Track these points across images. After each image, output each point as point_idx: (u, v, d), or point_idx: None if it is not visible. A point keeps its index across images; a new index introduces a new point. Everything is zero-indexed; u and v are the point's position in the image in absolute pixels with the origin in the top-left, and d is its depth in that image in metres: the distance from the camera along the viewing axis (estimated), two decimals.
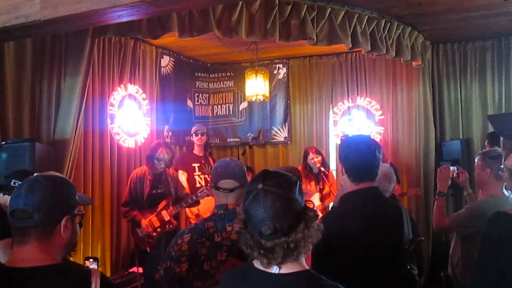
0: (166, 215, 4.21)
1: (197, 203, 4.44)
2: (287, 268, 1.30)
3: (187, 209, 4.65)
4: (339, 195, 2.47)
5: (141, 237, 4.13)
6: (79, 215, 1.49)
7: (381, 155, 2.07)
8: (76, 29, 3.51)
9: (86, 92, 3.94)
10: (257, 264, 1.35)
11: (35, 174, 1.50)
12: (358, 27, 4.17)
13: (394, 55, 4.56)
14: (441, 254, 4.71)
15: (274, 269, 1.30)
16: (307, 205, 1.35)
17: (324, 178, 4.84)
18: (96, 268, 2.14)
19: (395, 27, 4.53)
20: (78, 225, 1.49)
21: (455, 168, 3.02)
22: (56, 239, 1.38)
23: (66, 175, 3.71)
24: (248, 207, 1.31)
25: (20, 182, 2.63)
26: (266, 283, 1.31)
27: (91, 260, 2.30)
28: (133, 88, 4.96)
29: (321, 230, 1.32)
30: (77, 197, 1.49)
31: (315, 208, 1.37)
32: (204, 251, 1.78)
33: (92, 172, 4.39)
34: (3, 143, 3.40)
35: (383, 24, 4.39)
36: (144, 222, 4.13)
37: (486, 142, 4.54)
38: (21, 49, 3.72)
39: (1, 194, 2.83)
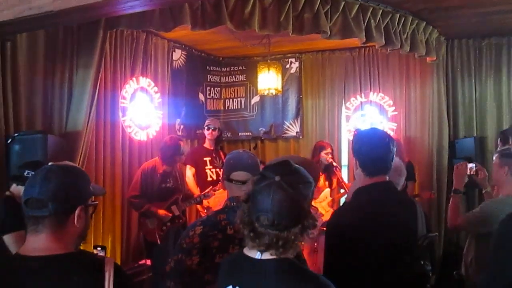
0: (175, 210, 4.24)
1: (201, 202, 4.50)
2: (267, 255, 1.34)
3: None
4: (352, 189, 2.44)
5: (151, 229, 4.14)
6: (92, 205, 1.48)
7: (395, 149, 2.04)
8: (89, 20, 3.52)
9: (98, 85, 3.96)
10: (246, 250, 1.39)
11: (49, 164, 1.49)
12: (372, 21, 4.11)
13: (408, 50, 4.50)
14: (452, 252, 4.67)
15: (257, 255, 1.34)
16: (312, 210, 1.39)
17: (335, 171, 4.79)
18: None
19: (410, 21, 4.45)
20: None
21: (474, 165, 2.97)
22: (69, 229, 1.37)
23: None
24: (257, 191, 1.34)
25: (33, 173, 2.67)
26: (249, 268, 1.36)
27: (98, 248, 2.30)
28: (145, 81, 4.96)
29: (314, 238, 1.36)
30: (91, 188, 1.49)
31: (318, 214, 1.39)
32: (216, 243, 1.76)
33: (104, 164, 4.40)
34: (15, 135, 3.43)
35: (397, 19, 4.32)
36: (162, 211, 4.15)
37: (499, 140, 4.48)
38: (34, 41, 3.74)
39: (14, 185, 2.87)
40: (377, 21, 4.16)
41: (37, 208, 1.33)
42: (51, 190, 1.33)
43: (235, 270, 1.41)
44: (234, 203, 1.85)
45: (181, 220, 4.34)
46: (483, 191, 3.07)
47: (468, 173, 2.95)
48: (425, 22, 4.66)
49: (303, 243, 1.36)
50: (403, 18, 4.39)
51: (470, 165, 2.95)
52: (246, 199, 1.37)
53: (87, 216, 1.44)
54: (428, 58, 4.96)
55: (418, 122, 5.51)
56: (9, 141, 3.39)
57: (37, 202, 1.33)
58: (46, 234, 1.34)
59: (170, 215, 4.19)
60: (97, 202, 1.58)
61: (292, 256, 1.35)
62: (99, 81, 3.97)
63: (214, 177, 4.81)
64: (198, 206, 4.77)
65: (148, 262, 4.27)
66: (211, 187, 4.45)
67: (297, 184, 1.34)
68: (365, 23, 4.07)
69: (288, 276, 1.32)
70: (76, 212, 1.37)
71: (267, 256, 1.33)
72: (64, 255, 1.33)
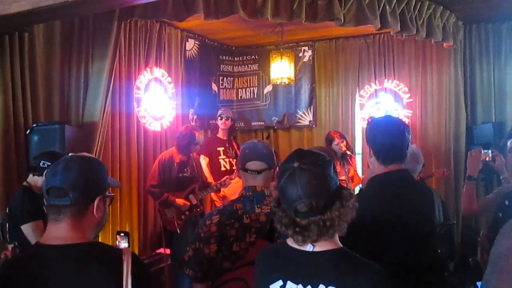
0: (193, 199, 4.29)
1: (218, 190, 4.56)
2: (321, 246, 1.31)
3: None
4: (367, 178, 2.43)
5: (170, 218, 4.21)
6: (109, 196, 1.51)
7: (410, 136, 2.02)
8: (104, 10, 3.53)
9: (113, 76, 3.98)
10: (291, 242, 1.36)
11: (70, 154, 1.52)
12: (387, 7, 4.03)
13: (424, 35, 4.41)
14: (470, 239, 4.63)
15: (308, 247, 1.31)
16: (342, 184, 1.36)
17: (349, 160, 4.79)
18: (126, 242, 2.19)
19: (426, 6, 4.36)
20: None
21: (490, 151, 2.93)
22: (88, 219, 1.40)
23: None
24: (283, 186, 1.32)
25: (49, 163, 2.71)
26: (299, 261, 1.32)
27: (122, 234, 2.34)
28: (158, 72, 4.98)
29: (356, 208, 1.33)
30: (108, 179, 1.51)
31: (348, 187, 1.37)
32: (233, 232, 1.78)
33: (120, 154, 4.45)
34: (34, 125, 3.49)
35: (413, 4, 4.24)
36: (180, 201, 4.20)
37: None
38: (51, 32, 3.78)
39: (31, 175, 2.91)
40: (393, 6, 4.08)
41: (59, 197, 1.36)
42: (72, 179, 1.36)
43: (283, 263, 1.36)
44: (250, 193, 1.86)
45: (199, 209, 4.40)
46: (501, 177, 3.04)
47: (485, 159, 2.92)
48: (442, 7, 4.55)
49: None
50: (419, 3, 4.30)
51: (486, 151, 2.91)
52: (277, 203, 1.36)
53: (105, 206, 1.46)
54: (445, 44, 4.86)
55: (435, 108, 5.44)
56: (28, 132, 3.46)
57: (58, 191, 1.36)
58: (66, 223, 1.36)
59: (188, 204, 4.25)
60: (113, 194, 1.60)
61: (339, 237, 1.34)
62: (114, 72, 4.00)
63: (228, 167, 4.84)
64: (213, 196, 4.81)
65: (166, 251, 4.34)
66: (227, 176, 4.49)
67: (315, 162, 1.34)
68: (380, 9, 4.00)
69: (343, 267, 1.30)
70: (96, 201, 1.40)
71: (318, 248, 1.31)
72: (83, 244, 1.36)
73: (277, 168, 1.99)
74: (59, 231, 1.37)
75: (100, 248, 1.42)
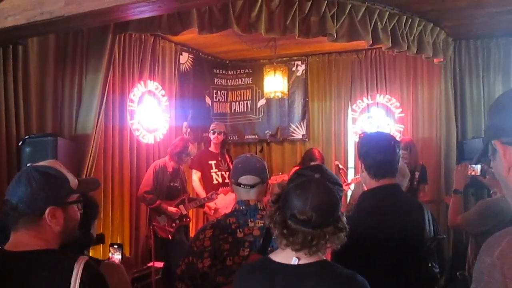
0: (183, 209, 4.38)
1: (202, 205, 4.67)
2: (306, 259, 1.33)
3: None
4: (356, 192, 2.45)
5: (162, 225, 4.25)
6: (72, 203, 1.48)
7: (400, 152, 2.06)
8: (99, 25, 3.57)
9: (107, 88, 3.99)
10: (275, 257, 1.37)
11: (28, 165, 1.53)
12: (378, 23, 4.11)
13: (415, 51, 4.49)
14: (461, 253, 4.65)
15: (293, 260, 1.32)
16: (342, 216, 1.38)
17: (340, 174, 4.80)
18: (120, 254, 2.16)
19: (417, 23, 4.45)
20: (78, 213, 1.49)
21: (478, 166, 2.96)
22: (46, 228, 1.41)
23: (87, 170, 3.78)
24: (293, 189, 1.33)
25: None
26: (283, 273, 1.33)
27: (115, 246, 2.32)
28: (152, 85, 5.00)
29: (343, 242, 1.34)
30: (71, 185, 1.48)
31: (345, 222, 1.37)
32: (226, 246, 1.78)
33: (112, 167, 4.45)
34: (26, 137, 3.48)
35: (404, 20, 4.32)
36: (172, 209, 4.31)
37: None
38: (45, 45, 3.79)
39: None
40: (384, 23, 4.15)
41: (10, 209, 1.41)
42: (19, 193, 1.41)
43: (270, 276, 1.35)
44: (243, 207, 1.87)
45: (188, 219, 4.53)
46: (491, 192, 3.08)
47: (473, 174, 2.95)
48: (432, 24, 4.65)
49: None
50: (410, 20, 4.38)
51: (474, 166, 2.95)
52: (276, 200, 1.38)
53: (67, 214, 1.45)
54: (435, 60, 4.95)
55: (426, 123, 5.50)
56: (20, 144, 3.45)
57: (9, 203, 1.42)
58: (21, 232, 1.41)
59: (180, 212, 4.34)
60: (81, 199, 1.53)
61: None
62: (107, 84, 4.02)
63: (220, 180, 4.86)
64: (206, 209, 4.82)
65: (155, 263, 4.33)
66: (213, 191, 4.58)
67: (335, 183, 1.37)
68: (372, 25, 4.07)
69: (327, 278, 1.31)
70: (46, 212, 1.40)
71: (303, 261, 1.32)
72: (39, 251, 1.38)
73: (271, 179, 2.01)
74: (18, 239, 1.41)
75: (55, 256, 1.42)
